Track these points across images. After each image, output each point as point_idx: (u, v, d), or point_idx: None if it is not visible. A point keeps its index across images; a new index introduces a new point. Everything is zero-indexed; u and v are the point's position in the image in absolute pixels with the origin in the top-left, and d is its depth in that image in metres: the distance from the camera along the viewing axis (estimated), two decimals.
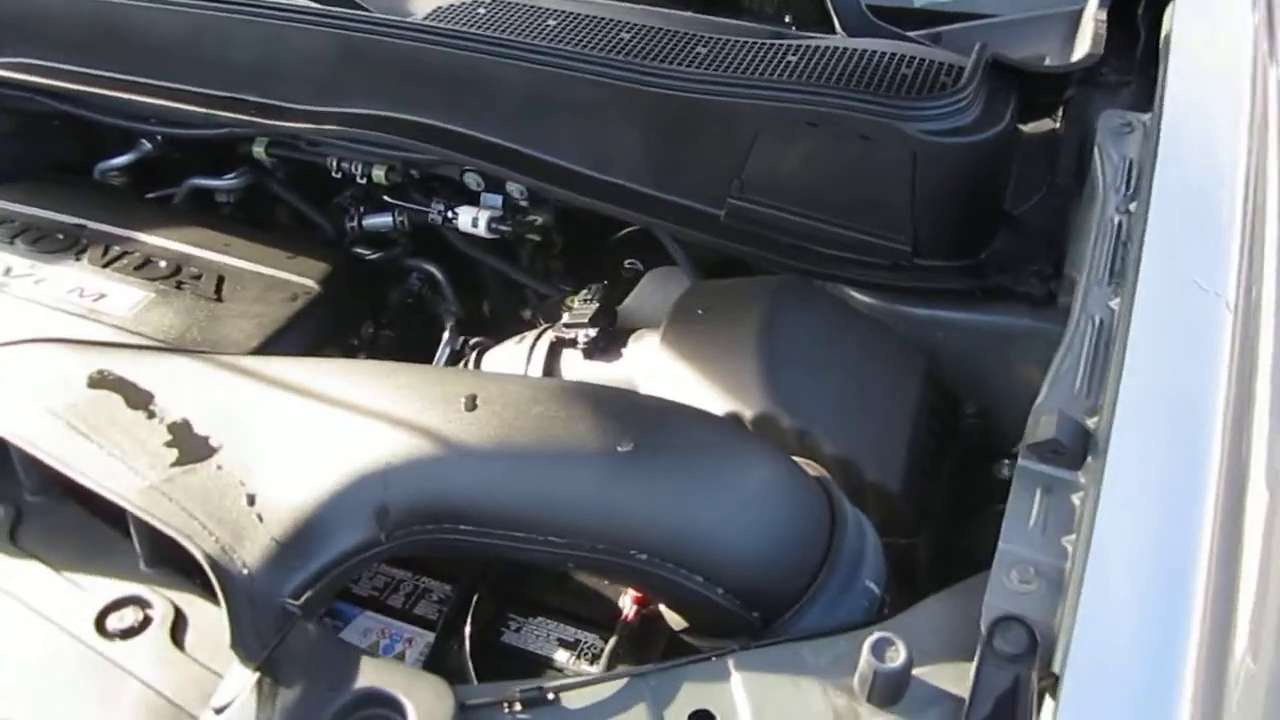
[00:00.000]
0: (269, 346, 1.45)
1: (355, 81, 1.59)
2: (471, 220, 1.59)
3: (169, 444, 1.02)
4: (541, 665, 1.19)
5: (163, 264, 1.61)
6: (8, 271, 1.60)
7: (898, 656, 0.85)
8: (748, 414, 1.20)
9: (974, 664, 0.85)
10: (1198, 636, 0.83)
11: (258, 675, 0.87)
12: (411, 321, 1.72)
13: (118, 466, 1.00)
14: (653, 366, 1.29)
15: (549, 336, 1.40)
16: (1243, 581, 0.89)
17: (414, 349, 1.66)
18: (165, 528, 0.94)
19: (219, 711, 0.85)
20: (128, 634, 0.95)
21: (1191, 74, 1.35)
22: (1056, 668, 0.82)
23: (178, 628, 0.96)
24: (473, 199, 1.67)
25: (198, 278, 1.58)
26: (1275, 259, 1.16)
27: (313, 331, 1.53)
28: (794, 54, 1.52)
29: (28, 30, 1.82)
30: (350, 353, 1.61)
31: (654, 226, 1.50)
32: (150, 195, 2.05)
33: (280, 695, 0.86)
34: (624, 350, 1.35)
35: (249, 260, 1.63)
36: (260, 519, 0.95)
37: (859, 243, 1.37)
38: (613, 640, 1.16)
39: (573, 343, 1.37)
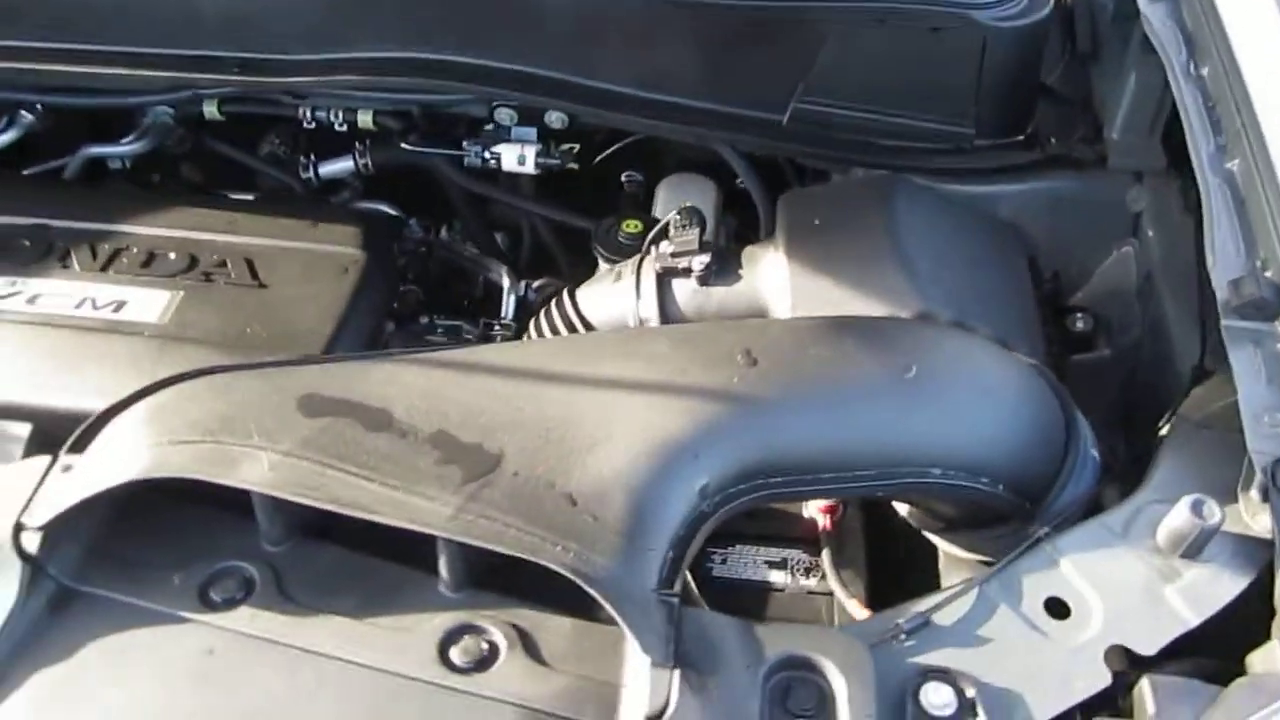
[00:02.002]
0: (344, 327, 1.36)
1: (359, 23, 1.46)
2: (517, 158, 1.53)
3: (443, 461, 0.96)
4: (762, 590, 1.24)
5: (172, 256, 1.45)
6: None
7: (1214, 514, 0.97)
8: (905, 314, 1.25)
9: (1269, 504, 0.98)
10: None
11: (676, 671, 0.87)
12: (429, 273, 1.63)
13: (403, 497, 0.93)
14: (783, 283, 1.31)
15: (652, 267, 1.39)
16: None
17: (441, 302, 1.59)
18: (502, 549, 0.90)
19: (657, 718, 0.85)
20: (483, 664, 0.91)
21: None
22: None
23: (529, 645, 0.93)
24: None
25: (222, 265, 1.44)
26: None
27: (376, 301, 1.44)
28: None
29: None
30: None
31: (713, 140, 1.50)
32: (30, 170, 1.82)
33: (707, 684, 0.87)
34: (740, 271, 1.36)
35: (267, 236, 1.49)
36: (595, 519, 0.93)
37: (923, 131, 1.44)
38: (825, 552, 1.23)
39: (685, 271, 1.37)
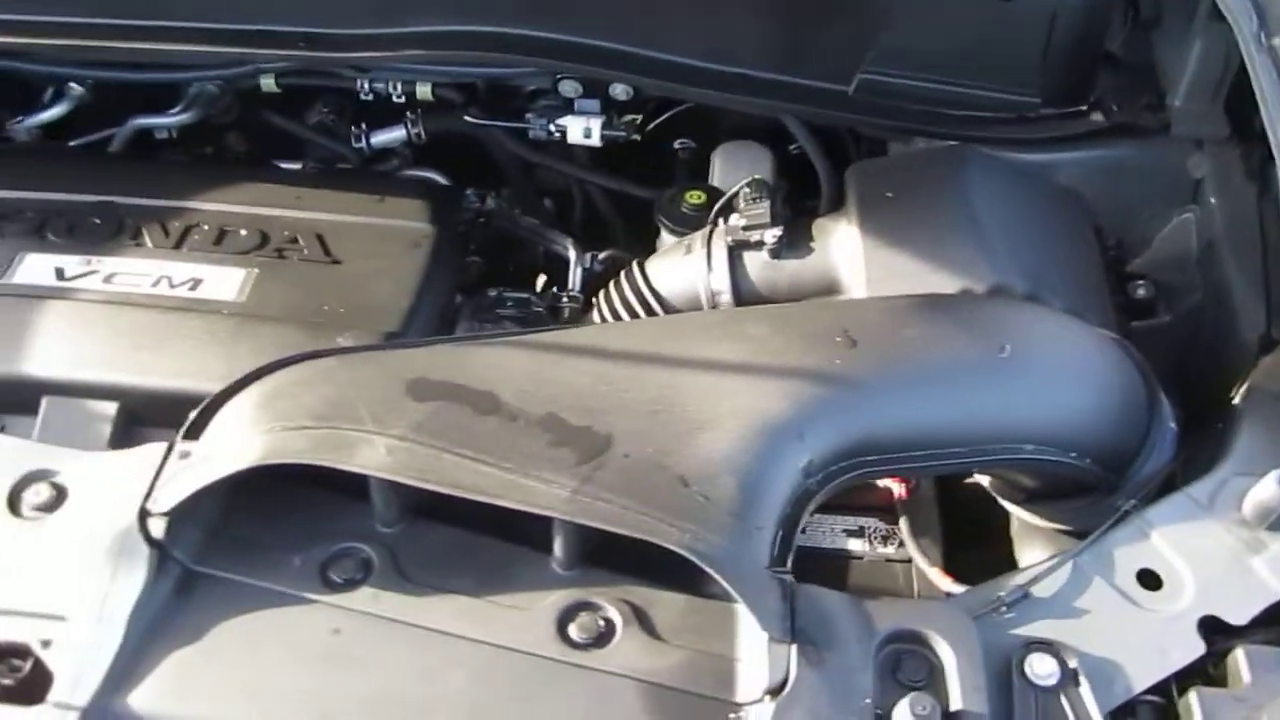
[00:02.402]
0: (420, 302, 1.38)
1: None
2: (583, 131, 1.54)
3: (555, 444, 0.98)
4: (841, 558, 1.27)
5: (243, 233, 1.46)
6: (60, 273, 1.41)
7: None
8: (980, 287, 1.27)
9: None
10: None
11: (793, 646, 0.90)
12: (490, 243, 1.65)
13: (519, 480, 0.95)
14: (857, 256, 1.33)
15: (723, 240, 1.40)
16: None
17: (499, 272, 1.60)
18: (621, 530, 0.93)
19: (775, 693, 0.88)
20: (601, 639, 0.94)
21: None
22: None
23: (643, 621, 0.96)
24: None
25: (294, 242, 1.45)
26: None
27: (447, 275, 1.46)
28: None
29: None
30: None
31: (779, 111, 1.50)
32: (77, 142, 1.83)
33: (823, 657, 0.90)
34: (812, 244, 1.38)
35: (335, 211, 1.50)
36: (706, 499, 0.95)
37: (988, 100, 1.45)
38: (903, 520, 1.26)
39: (757, 244, 1.38)
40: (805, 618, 0.92)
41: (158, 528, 0.97)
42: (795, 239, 1.38)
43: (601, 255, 1.58)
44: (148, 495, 0.98)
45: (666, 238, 1.57)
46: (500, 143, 1.77)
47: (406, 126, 1.76)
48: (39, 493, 1.02)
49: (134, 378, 1.29)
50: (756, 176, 1.44)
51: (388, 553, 1.00)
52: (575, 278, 1.55)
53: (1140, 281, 1.47)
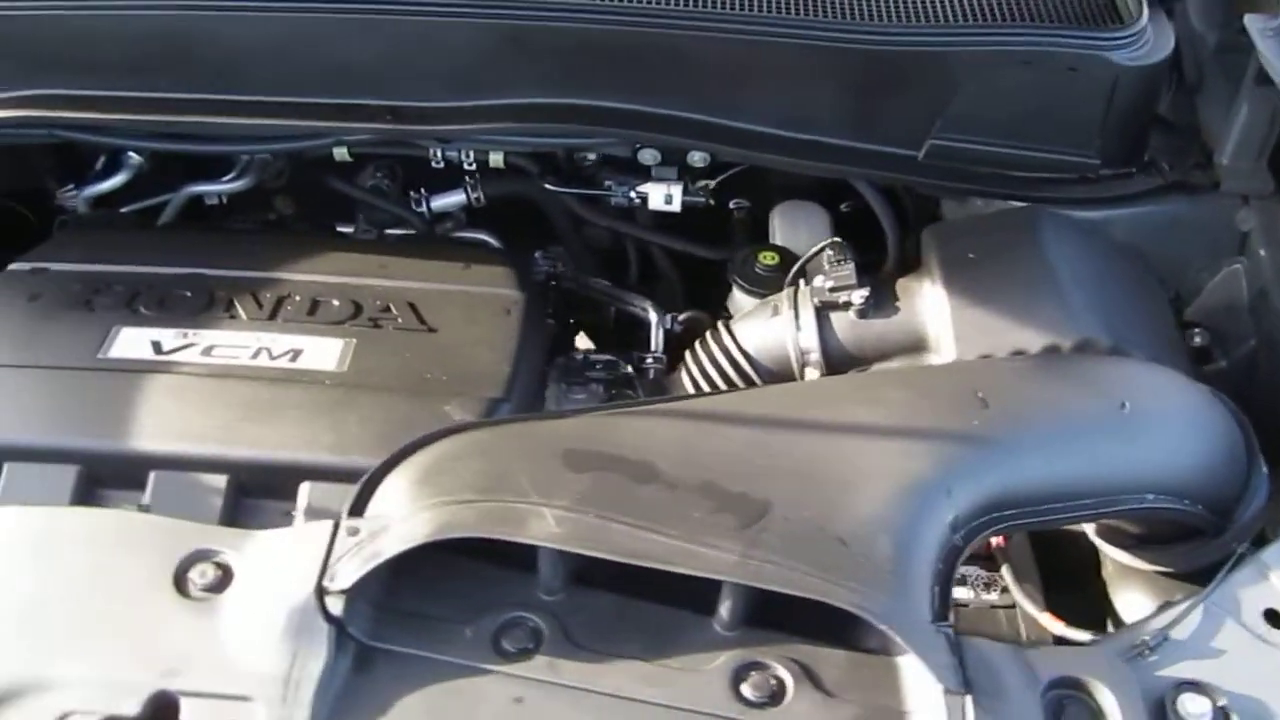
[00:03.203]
0: (519, 367, 1.41)
1: (511, 70, 1.50)
2: (664, 197, 1.59)
3: (715, 510, 1.02)
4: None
5: (335, 303, 1.48)
6: (158, 347, 1.42)
7: None
8: (1067, 343, 1.33)
9: None
10: None
11: (968, 698, 0.94)
12: (560, 305, 1.69)
13: (688, 546, 0.99)
14: (944, 315, 1.38)
15: (810, 301, 1.46)
16: None
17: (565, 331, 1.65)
18: (792, 591, 0.97)
19: None
20: (775, 698, 0.98)
21: None
22: None
23: (812, 678, 0.99)
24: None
25: (387, 310, 1.48)
26: None
27: (539, 339, 1.49)
28: None
29: (51, 56, 1.55)
30: None
31: (851, 175, 1.57)
32: (128, 209, 1.85)
33: (995, 707, 0.94)
34: (898, 304, 1.44)
35: (423, 279, 1.53)
36: (866, 558, 1.00)
37: (1051, 162, 1.53)
38: (1005, 567, 1.31)
39: (845, 305, 1.44)
40: (972, 669, 0.96)
41: (335, 605, 0.99)
42: (880, 299, 1.44)
43: (681, 316, 1.62)
44: (322, 573, 1.00)
45: (739, 297, 1.63)
46: (557, 205, 1.82)
47: (466, 191, 1.80)
48: (204, 573, 1.03)
49: (244, 450, 1.30)
50: (836, 239, 1.51)
51: (555, 621, 1.03)
52: (658, 339, 1.60)
53: (1197, 329, 1.55)
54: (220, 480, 1.29)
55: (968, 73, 1.45)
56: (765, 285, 1.59)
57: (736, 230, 1.81)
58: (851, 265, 1.46)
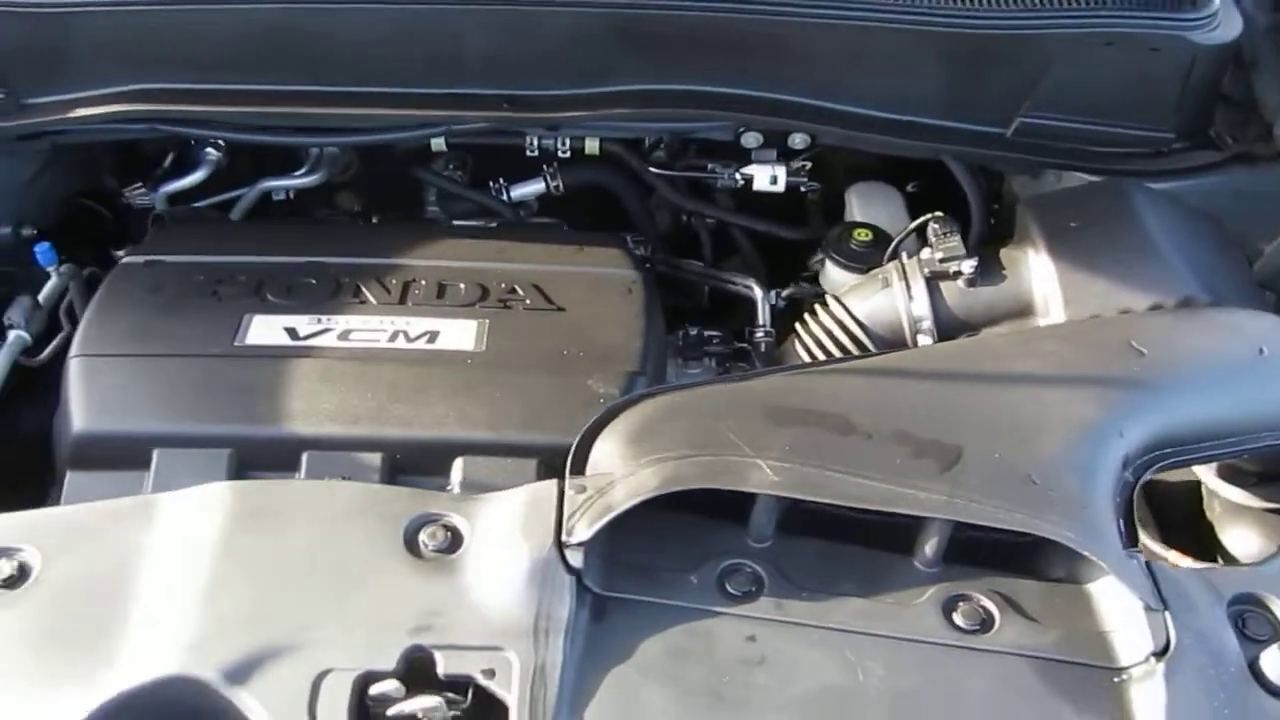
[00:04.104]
0: (649, 343, 1.46)
1: (625, 57, 1.56)
2: (770, 178, 1.66)
3: (914, 455, 1.10)
4: None
5: (462, 286, 1.52)
6: (293, 333, 1.45)
7: None
8: (1170, 302, 1.43)
9: None
10: None
11: (1167, 614, 1.03)
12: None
13: (897, 489, 1.07)
14: (1052, 281, 1.47)
15: (919, 272, 1.54)
16: None
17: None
18: (1000, 525, 1.05)
19: (1159, 655, 1.00)
20: (985, 625, 1.04)
21: None
22: None
23: (1015, 606, 1.07)
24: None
25: (513, 292, 1.52)
26: None
27: (659, 315, 1.55)
28: None
29: (157, 51, 1.56)
30: None
31: (944, 153, 1.66)
32: (202, 203, 1.87)
33: (1191, 622, 1.03)
34: (1004, 272, 1.53)
35: (542, 263, 1.58)
36: (1054, 493, 1.08)
37: (1130, 138, 1.63)
38: None
39: (955, 274, 1.52)
40: (1165, 588, 1.05)
41: (574, 558, 1.04)
42: (987, 268, 1.53)
43: (785, 291, 1.70)
44: (558, 528, 1.05)
45: (835, 271, 1.70)
46: (632, 191, 1.88)
47: (545, 180, 1.85)
48: (434, 535, 1.08)
49: (397, 430, 1.33)
50: (938, 213, 1.59)
51: (772, 566, 1.09)
52: (764, 314, 1.67)
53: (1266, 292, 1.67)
54: (375, 458, 1.32)
55: (1058, 54, 1.55)
56: (862, 260, 1.67)
57: (812, 210, 1.88)
58: (958, 237, 1.55)
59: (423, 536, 1.08)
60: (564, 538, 1.04)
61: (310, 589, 1.05)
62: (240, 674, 0.98)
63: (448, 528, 1.09)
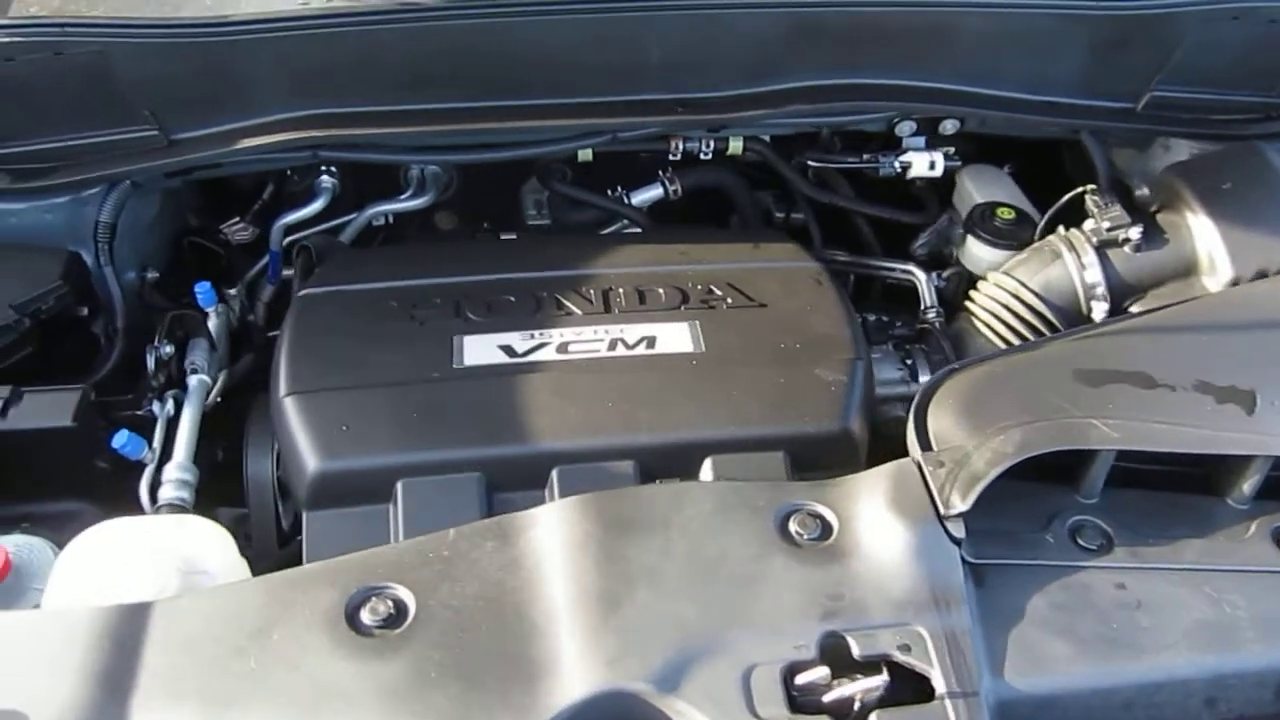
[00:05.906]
0: (856, 328, 1.51)
1: (793, 56, 1.60)
2: (928, 164, 1.72)
3: (1220, 401, 1.19)
4: None
5: (660, 291, 1.54)
6: (510, 350, 1.44)
7: None
8: None
9: None
10: None
11: None
12: None
13: (1218, 434, 1.15)
14: (1215, 241, 1.58)
15: (1087, 241, 1.63)
16: None
17: None
18: None
19: None
20: None
21: None
22: None
23: None
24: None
25: (711, 293, 1.54)
26: None
27: (849, 302, 1.59)
28: None
29: (323, 76, 1.53)
30: None
31: (1079, 128, 1.75)
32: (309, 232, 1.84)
33: None
34: (1165, 236, 1.63)
35: (727, 262, 1.60)
36: None
37: (1244, 105, 1.77)
38: None
39: (1123, 241, 1.62)
40: None
41: (956, 529, 1.08)
42: (1151, 234, 1.63)
43: (945, 273, 1.77)
44: (934, 502, 1.09)
45: (978, 249, 1.78)
46: (745, 191, 1.92)
47: (664, 185, 1.87)
48: (805, 524, 1.10)
49: (646, 435, 1.34)
50: (1091, 185, 1.69)
51: (1111, 518, 1.16)
52: (930, 295, 1.73)
53: None
54: (627, 466, 1.32)
55: (1190, 29, 1.66)
56: (1009, 237, 1.75)
57: (925, 195, 1.96)
58: (1119, 206, 1.64)
59: (794, 526, 1.10)
60: (942, 510, 1.08)
61: (707, 589, 1.06)
62: (670, 681, 0.99)
63: (814, 515, 1.11)
